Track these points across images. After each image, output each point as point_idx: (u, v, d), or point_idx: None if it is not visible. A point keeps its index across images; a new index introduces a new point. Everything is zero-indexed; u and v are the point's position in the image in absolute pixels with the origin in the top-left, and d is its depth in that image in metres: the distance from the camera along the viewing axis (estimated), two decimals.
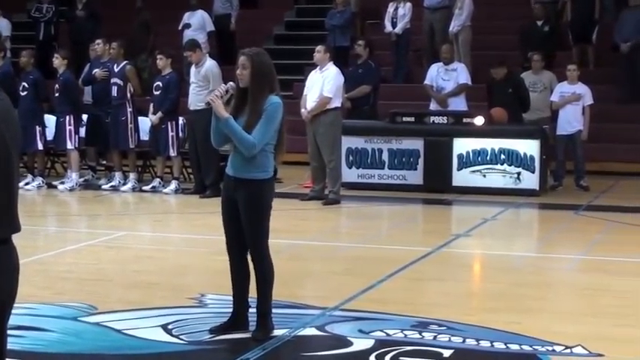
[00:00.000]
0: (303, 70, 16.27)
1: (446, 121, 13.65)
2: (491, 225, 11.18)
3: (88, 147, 14.40)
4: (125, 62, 13.79)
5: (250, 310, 6.21)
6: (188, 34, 17.24)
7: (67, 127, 13.56)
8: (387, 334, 6.24)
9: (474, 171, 13.32)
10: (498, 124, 13.50)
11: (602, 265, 8.82)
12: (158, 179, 13.60)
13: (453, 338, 6.16)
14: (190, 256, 9.19)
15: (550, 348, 5.96)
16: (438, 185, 13.39)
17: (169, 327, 6.37)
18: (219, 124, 6.00)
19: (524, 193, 13.05)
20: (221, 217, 6.19)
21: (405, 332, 6.29)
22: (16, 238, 3.42)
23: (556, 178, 13.94)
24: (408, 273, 8.33)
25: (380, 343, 6.02)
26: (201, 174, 12.99)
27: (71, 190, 13.60)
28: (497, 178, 13.24)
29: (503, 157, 13.22)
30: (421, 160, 13.50)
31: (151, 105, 13.41)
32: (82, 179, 14.06)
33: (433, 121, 13.74)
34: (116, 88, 13.59)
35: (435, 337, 6.18)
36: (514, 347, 6.01)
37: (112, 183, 13.81)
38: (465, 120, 13.59)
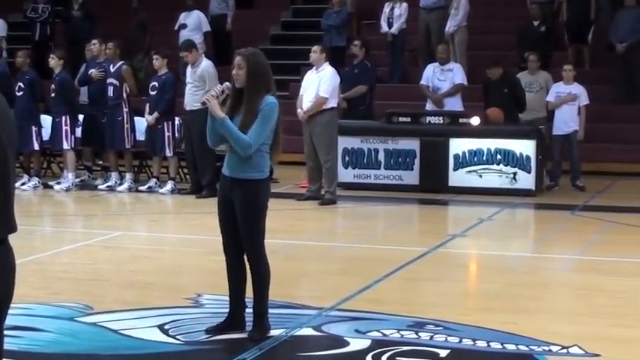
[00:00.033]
0: (300, 70, 16.29)
1: (442, 122, 13.65)
2: (488, 225, 11.18)
3: (84, 147, 14.40)
4: (121, 62, 13.78)
5: (247, 310, 6.21)
6: (184, 35, 17.25)
7: (63, 128, 13.56)
8: (384, 334, 6.24)
9: (470, 171, 13.32)
10: (494, 125, 13.49)
11: (599, 265, 8.83)
12: (154, 179, 13.60)
13: (449, 338, 6.15)
14: (187, 256, 9.19)
15: (547, 348, 5.96)
16: (434, 185, 13.39)
17: (166, 327, 6.37)
18: (215, 124, 6.00)
19: (521, 194, 13.05)
20: (217, 218, 6.19)
21: (402, 332, 6.29)
22: (12, 239, 3.41)
23: (552, 179, 13.95)
24: (404, 273, 8.32)
25: (376, 343, 6.02)
26: (198, 174, 12.98)
27: (67, 190, 13.59)
28: (493, 178, 13.24)
29: (499, 157, 13.23)
30: (417, 161, 13.50)
31: (147, 105, 13.40)
32: (78, 179, 14.05)
33: (429, 121, 13.74)
34: (112, 88, 13.57)
35: (431, 337, 6.18)
36: (511, 347, 6.01)
37: (109, 183, 13.79)
38: (461, 120, 13.60)
